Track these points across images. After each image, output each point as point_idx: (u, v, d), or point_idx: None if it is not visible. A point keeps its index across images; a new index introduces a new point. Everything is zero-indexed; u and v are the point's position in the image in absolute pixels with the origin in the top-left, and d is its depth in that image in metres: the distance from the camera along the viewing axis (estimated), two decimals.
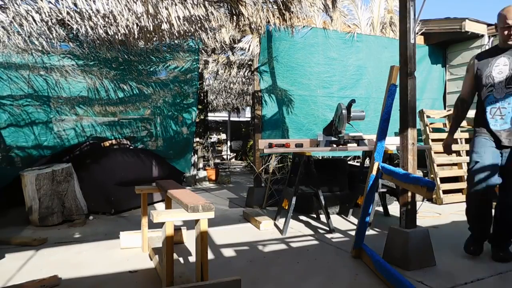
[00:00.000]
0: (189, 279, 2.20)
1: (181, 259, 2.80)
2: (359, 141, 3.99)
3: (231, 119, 14.71)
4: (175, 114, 5.48)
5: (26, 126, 4.38)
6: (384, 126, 2.84)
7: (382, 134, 2.83)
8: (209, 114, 9.74)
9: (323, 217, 4.10)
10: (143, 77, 5.14)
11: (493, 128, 2.79)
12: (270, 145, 3.86)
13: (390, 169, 2.69)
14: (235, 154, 14.21)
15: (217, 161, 11.58)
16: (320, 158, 5.51)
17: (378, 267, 2.49)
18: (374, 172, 2.81)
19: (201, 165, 7.46)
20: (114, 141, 5.07)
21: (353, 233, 3.54)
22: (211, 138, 12.38)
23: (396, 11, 5.72)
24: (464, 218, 4.15)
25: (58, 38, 3.59)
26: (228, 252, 2.99)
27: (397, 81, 2.84)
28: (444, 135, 5.32)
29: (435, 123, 5.49)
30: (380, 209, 4.42)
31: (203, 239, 2.05)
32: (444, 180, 5.04)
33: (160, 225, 2.09)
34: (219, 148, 14.45)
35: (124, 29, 3.47)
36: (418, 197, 4.81)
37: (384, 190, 4.29)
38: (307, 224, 3.94)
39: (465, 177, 5.14)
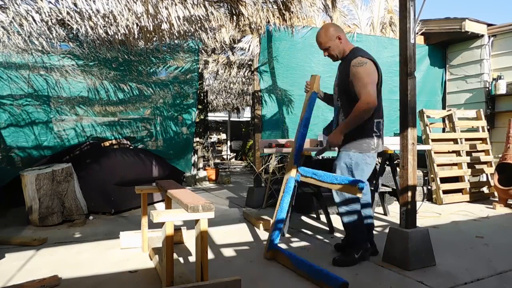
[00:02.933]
0: (189, 279, 2.20)
1: (181, 259, 2.80)
2: None
3: (231, 119, 14.70)
4: (175, 114, 5.48)
5: (26, 126, 4.38)
6: (304, 131, 2.95)
7: (302, 138, 2.95)
8: (209, 114, 9.75)
9: (323, 217, 4.10)
10: (143, 77, 5.14)
11: None
12: (270, 145, 3.86)
13: (312, 172, 2.71)
14: (235, 154, 14.21)
15: (217, 161, 11.59)
16: (320, 158, 5.51)
17: (297, 264, 2.51)
18: (293, 175, 2.89)
19: (201, 165, 7.47)
20: (114, 141, 5.07)
21: None
22: (211, 138, 12.39)
23: (396, 11, 5.72)
24: (464, 218, 4.17)
25: (58, 38, 3.60)
26: (228, 252, 2.99)
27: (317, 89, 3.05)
28: (444, 135, 5.35)
29: (435, 123, 5.50)
30: (380, 209, 4.42)
31: (203, 239, 2.05)
32: (444, 180, 5.04)
33: (160, 225, 2.09)
34: (219, 148, 14.45)
35: (124, 29, 3.47)
36: (418, 197, 4.82)
37: (384, 190, 4.30)
38: (307, 224, 3.94)
39: (465, 177, 5.15)
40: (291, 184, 2.91)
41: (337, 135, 2.64)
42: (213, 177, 7.58)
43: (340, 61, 2.83)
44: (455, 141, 5.29)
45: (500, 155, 4.96)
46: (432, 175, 5.03)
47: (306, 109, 2.98)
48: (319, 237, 3.45)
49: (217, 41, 4.71)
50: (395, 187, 4.24)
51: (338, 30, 2.73)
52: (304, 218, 4.22)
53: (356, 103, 2.55)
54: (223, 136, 15.32)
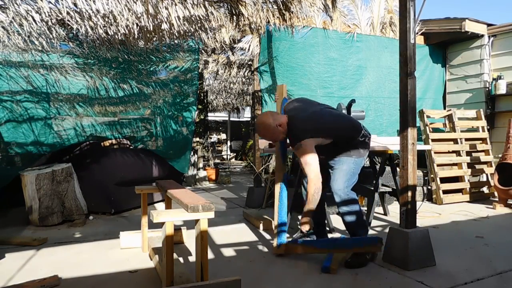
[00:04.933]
0: (189, 279, 2.20)
1: (181, 259, 2.80)
2: None
3: (231, 119, 14.70)
4: (175, 114, 5.48)
5: (26, 125, 4.38)
6: None
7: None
8: (209, 114, 9.74)
9: None
10: (143, 77, 5.14)
11: None
12: (270, 145, 3.85)
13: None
14: (235, 154, 14.20)
15: (217, 161, 11.58)
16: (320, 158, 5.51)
17: (324, 246, 2.73)
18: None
19: (201, 165, 7.46)
20: (114, 141, 5.06)
21: None
22: (211, 138, 12.38)
23: (396, 11, 5.72)
24: (464, 218, 4.17)
25: (58, 38, 3.60)
26: (228, 252, 2.99)
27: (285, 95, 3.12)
28: (444, 135, 5.35)
29: (435, 123, 5.50)
30: (380, 209, 4.42)
31: (203, 239, 2.05)
32: (444, 180, 5.04)
33: (160, 225, 2.09)
34: (219, 148, 14.45)
35: (124, 29, 3.47)
36: (418, 197, 4.82)
37: (384, 190, 4.30)
38: None
39: (465, 177, 5.15)
40: (284, 184, 2.98)
41: (307, 220, 2.70)
42: (213, 177, 7.58)
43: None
44: (455, 141, 5.29)
45: (500, 155, 4.96)
46: (432, 175, 5.03)
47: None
48: None
49: (217, 41, 4.71)
50: (395, 187, 4.23)
51: (274, 119, 2.69)
52: None
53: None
54: (223, 136, 15.31)
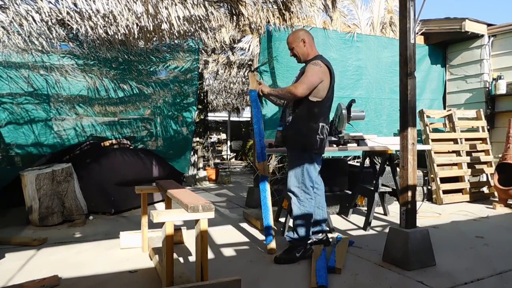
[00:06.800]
0: (189, 279, 2.20)
1: (181, 259, 2.80)
2: (359, 141, 3.99)
3: (231, 119, 14.69)
4: (175, 114, 5.48)
5: (26, 125, 4.38)
6: (258, 127, 3.14)
7: (259, 134, 3.13)
8: (209, 114, 9.74)
9: None
10: (143, 77, 5.14)
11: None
12: (270, 145, 3.85)
13: None
14: (235, 154, 14.20)
15: (217, 161, 11.59)
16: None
17: None
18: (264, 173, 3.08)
19: (201, 165, 7.47)
20: (114, 141, 5.06)
21: (353, 233, 3.55)
22: (211, 138, 12.38)
23: (396, 11, 5.72)
24: (464, 218, 4.17)
25: (58, 38, 3.59)
26: (228, 252, 2.99)
27: (256, 87, 3.15)
28: (444, 135, 5.35)
29: (435, 123, 5.50)
30: (380, 209, 4.42)
31: (203, 239, 2.05)
32: (444, 180, 5.04)
33: (160, 225, 2.09)
34: (219, 148, 14.44)
35: (124, 29, 3.47)
36: (418, 197, 4.82)
37: (384, 190, 4.30)
38: None
39: (465, 177, 5.15)
40: (265, 185, 3.01)
41: (267, 89, 3.05)
42: (213, 177, 7.58)
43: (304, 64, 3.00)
44: (455, 141, 5.29)
45: (500, 155, 4.96)
46: (432, 175, 5.03)
47: (251, 107, 3.17)
48: None
49: (217, 41, 4.70)
50: (395, 187, 4.24)
51: (305, 35, 2.92)
52: None
53: (299, 101, 2.79)
54: (223, 136, 15.31)
